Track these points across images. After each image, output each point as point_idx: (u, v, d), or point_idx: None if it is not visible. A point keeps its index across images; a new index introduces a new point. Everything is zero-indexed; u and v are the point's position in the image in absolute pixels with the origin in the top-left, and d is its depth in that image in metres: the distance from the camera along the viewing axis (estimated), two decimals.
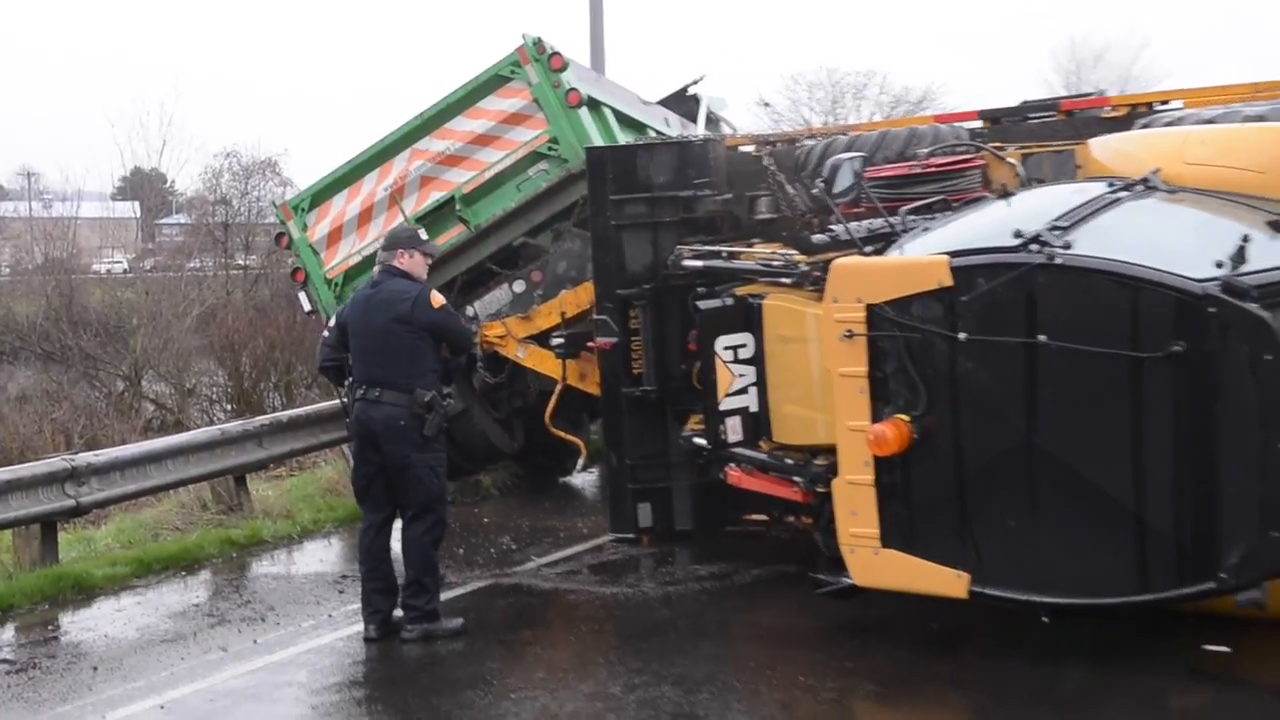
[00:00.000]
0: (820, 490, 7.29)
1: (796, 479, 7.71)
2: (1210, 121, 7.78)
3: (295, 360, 18.16)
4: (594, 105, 10.88)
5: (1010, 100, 9.13)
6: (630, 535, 9.29)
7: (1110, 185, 7.08)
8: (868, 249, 7.46)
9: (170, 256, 28.24)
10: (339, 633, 7.85)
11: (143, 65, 68.79)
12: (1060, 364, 6.25)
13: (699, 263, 8.65)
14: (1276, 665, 6.51)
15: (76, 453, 10.28)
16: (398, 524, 7.76)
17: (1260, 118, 7.59)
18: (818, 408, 7.54)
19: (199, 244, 26.29)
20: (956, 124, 9.17)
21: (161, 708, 6.79)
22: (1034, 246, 6.36)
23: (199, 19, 76.19)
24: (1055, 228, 6.47)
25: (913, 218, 7.84)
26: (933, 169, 8.41)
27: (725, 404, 8.17)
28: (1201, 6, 56.32)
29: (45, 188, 32.76)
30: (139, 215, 40.85)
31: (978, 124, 9.05)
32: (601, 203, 9.25)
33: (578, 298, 10.17)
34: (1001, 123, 8.95)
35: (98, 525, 10.94)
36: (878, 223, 7.87)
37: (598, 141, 10.44)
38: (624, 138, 10.97)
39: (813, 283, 7.50)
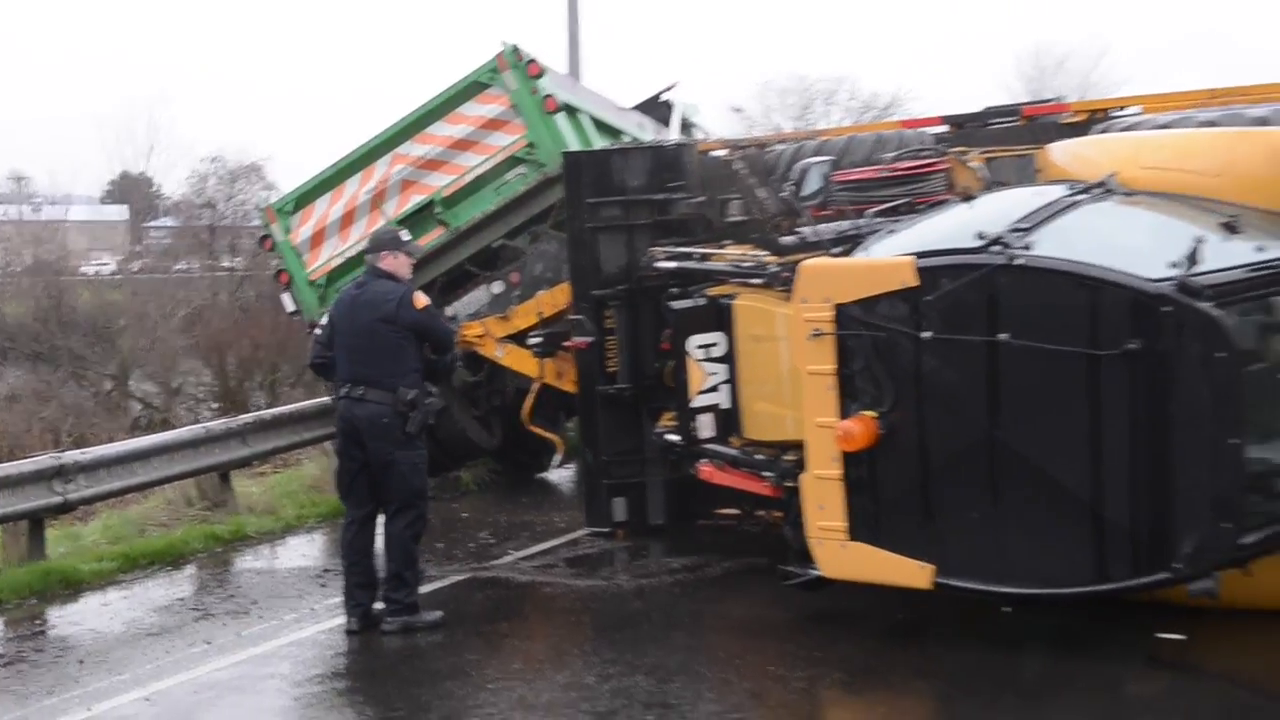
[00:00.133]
0: (789, 485, 7.31)
1: (766, 474, 7.73)
2: (1166, 127, 7.83)
3: (280, 360, 18.08)
4: (570, 111, 10.88)
5: (974, 106, 9.16)
6: (605, 529, 9.30)
7: (1069, 188, 7.11)
8: (835, 250, 7.49)
9: (157, 259, 28.08)
10: (321, 626, 7.83)
11: (130, 70, 68.38)
12: (1021, 362, 6.28)
13: (672, 264, 8.66)
14: (1228, 652, 6.55)
15: (64, 451, 10.23)
16: (379, 519, 7.74)
17: (1213, 123, 7.64)
18: (787, 405, 7.56)
19: (185, 246, 26.14)
20: (922, 129, 9.19)
21: (147, 699, 6.76)
22: (996, 248, 6.40)
23: (186, 26, 75.87)
24: (1016, 230, 6.50)
25: (879, 220, 7.87)
26: (898, 173, 8.43)
27: (697, 401, 8.20)
28: (1163, 21, 56.55)
29: (34, 191, 32.54)
30: (128, 218, 40.63)
31: (943, 129, 9.07)
32: (577, 206, 9.27)
33: (554, 298, 10.17)
34: (965, 128, 8.97)
35: (85, 521, 10.88)
36: (845, 225, 7.90)
37: (574, 146, 10.44)
38: (599, 142, 10.98)
39: (782, 283, 7.52)
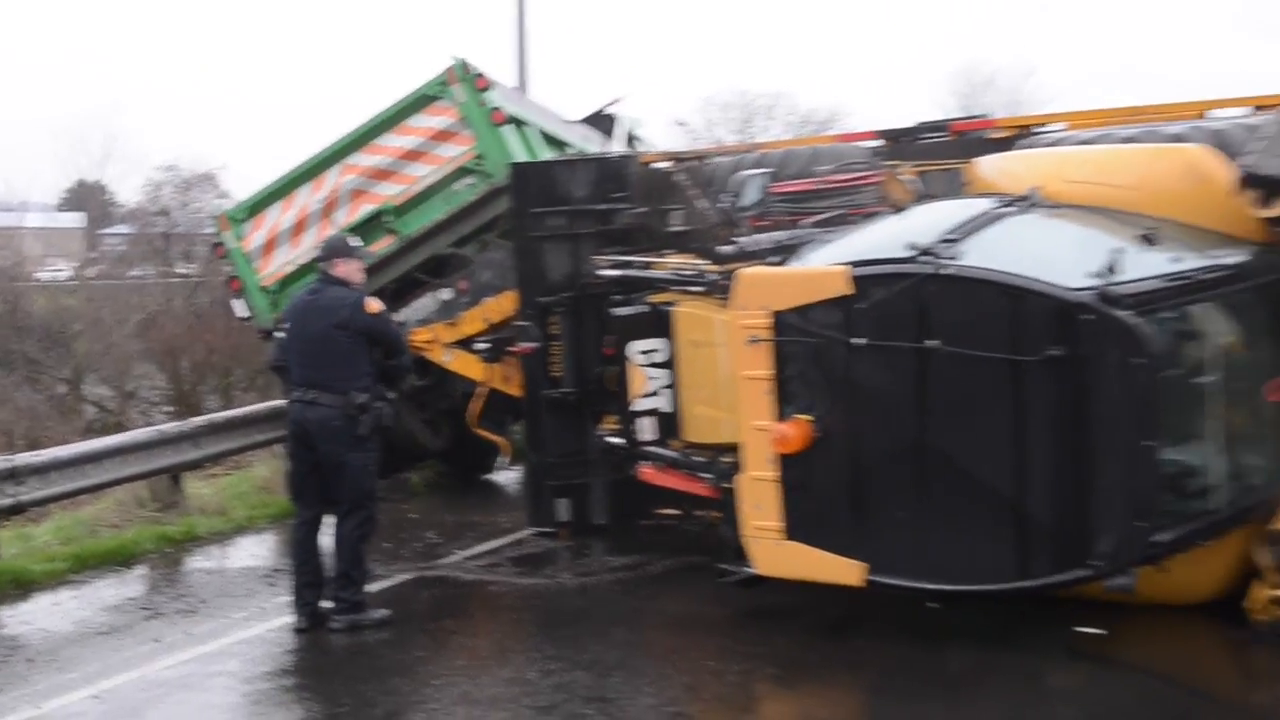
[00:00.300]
0: (727, 486, 7.32)
1: (705, 475, 7.74)
2: (1087, 143, 7.94)
3: (233, 364, 17.89)
4: (518, 123, 10.85)
5: (908, 121, 9.23)
6: (549, 529, 9.28)
7: (996, 201, 7.17)
8: (772, 259, 7.52)
9: (113, 265, 27.68)
10: (270, 624, 7.75)
11: (85, 79, 67.40)
12: (949, 367, 6.34)
13: (615, 272, 8.66)
14: (1144, 645, 6.63)
15: (16, 454, 10.05)
16: (329, 520, 7.67)
17: (1133, 140, 7.75)
18: (725, 408, 7.57)
19: (140, 253, 25.80)
20: (856, 143, 9.26)
21: (95, 697, 6.66)
22: (925, 258, 6.45)
23: (141, 36, 74.95)
24: (945, 240, 6.56)
25: (814, 230, 7.91)
26: (834, 185, 8.49)
27: (639, 405, 8.21)
28: (1091, 50, 57.34)
29: None
30: (84, 225, 40.09)
31: (877, 143, 9.13)
32: (524, 215, 9.25)
33: (501, 305, 10.12)
34: (898, 142, 9.04)
35: (37, 523, 10.67)
36: (782, 235, 7.94)
37: (521, 158, 10.41)
38: (546, 154, 10.96)
39: (721, 291, 7.53)
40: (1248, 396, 6.67)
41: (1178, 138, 7.58)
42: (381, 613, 7.60)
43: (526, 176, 9.42)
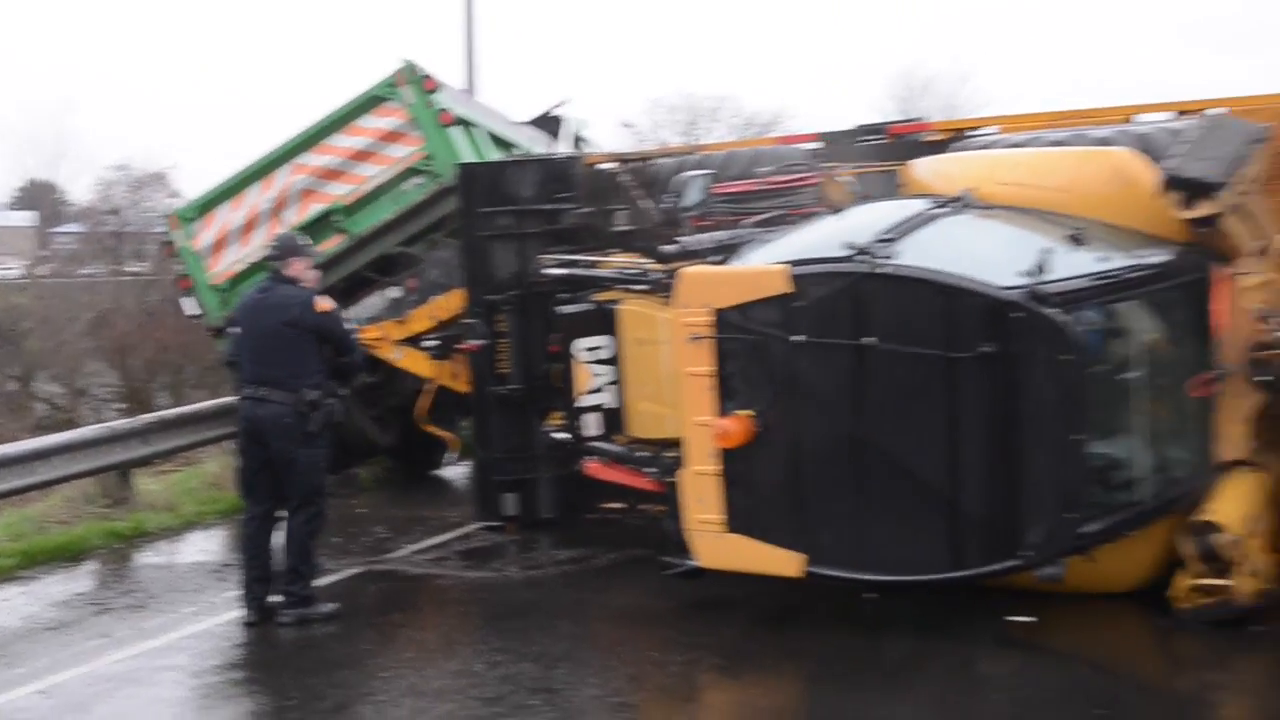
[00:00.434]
0: (670, 480, 7.31)
1: (649, 470, 7.73)
2: (1018, 146, 8.00)
3: (184, 362, 17.67)
4: (466, 124, 10.80)
5: (847, 124, 9.24)
6: (496, 523, 9.21)
7: (930, 202, 7.22)
8: (714, 259, 7.52)
9: (64, 264, 27.26)
10: (219, 618, 7.65)
11: (35, 78, 65.99)
12: (885, 363, 6.37)
13: (561, 271, 8.62)
14: (1073, 633, 6.68)
15: None
16: (278, 516, 7.59)
17: (1062, 143, 7.82)
18: (668, 404, 7.57)
19: (91, 252, 25.42)
20: (797, 145, 9.27)
21: (42, 693, 6.54)
22: (862, 257, 6.48)
23: (91, 34, 73.62)
24: (881, 240, 6.59)
25: (755, 230, 7.92)
26: (774, 186, 8.49)
27: (584, 401, 8.19)
28: (1034, 59, 57.82)
29: None
30: (36, 224, 39.42)
31: (816, 145, 9.14)
32: (471, 215, 9.19)
33: (449, 303, 10.05)
34: (837, 144, 9.05)
35: None
36: (723, 235, 7.94)
37: (469, 158, 10.36)
38: (493, 155, 10.91)
39: (664, 289, 7.52)
40: (1172, 392, 6.76)
41: (1105, 141, 7.66)
42: (330, 606, 7.53)
43: (474, 177, 9.35)
